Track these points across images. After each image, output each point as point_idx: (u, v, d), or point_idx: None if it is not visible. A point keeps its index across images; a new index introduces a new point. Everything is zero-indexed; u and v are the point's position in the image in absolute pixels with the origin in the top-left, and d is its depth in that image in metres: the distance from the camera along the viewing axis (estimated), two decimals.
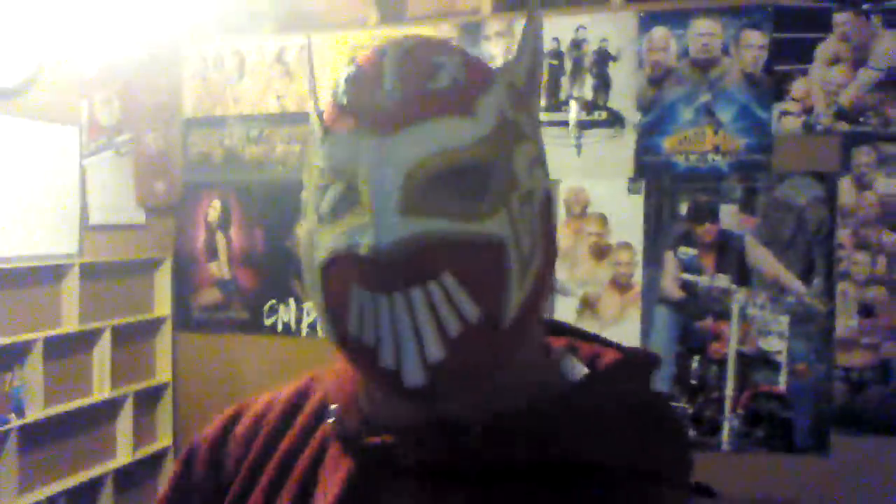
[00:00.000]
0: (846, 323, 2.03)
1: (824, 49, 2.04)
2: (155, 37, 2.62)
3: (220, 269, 2.75)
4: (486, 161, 0.54)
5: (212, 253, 2.76)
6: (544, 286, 0.58)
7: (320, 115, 0.57)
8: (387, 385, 0.53)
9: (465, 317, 0.52)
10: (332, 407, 0.62)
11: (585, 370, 0.62)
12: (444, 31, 2.32)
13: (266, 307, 2.67)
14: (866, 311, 2.02)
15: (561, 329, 0.68)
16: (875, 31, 2.00)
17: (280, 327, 2.64)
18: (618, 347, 0.65)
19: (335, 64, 2.48)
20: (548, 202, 0.60)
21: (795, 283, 2.07)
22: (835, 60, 2.03)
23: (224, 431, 0.69)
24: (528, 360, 0.59)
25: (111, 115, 2.56)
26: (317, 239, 0.56)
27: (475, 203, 0.53)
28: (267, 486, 0.64)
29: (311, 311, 2.60)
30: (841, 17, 2.02)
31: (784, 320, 2.08)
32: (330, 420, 0.61)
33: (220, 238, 2.76)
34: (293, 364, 2.56)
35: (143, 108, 2.65)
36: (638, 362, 0.63)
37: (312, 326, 2.60)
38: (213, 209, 2.77)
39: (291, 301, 2.64)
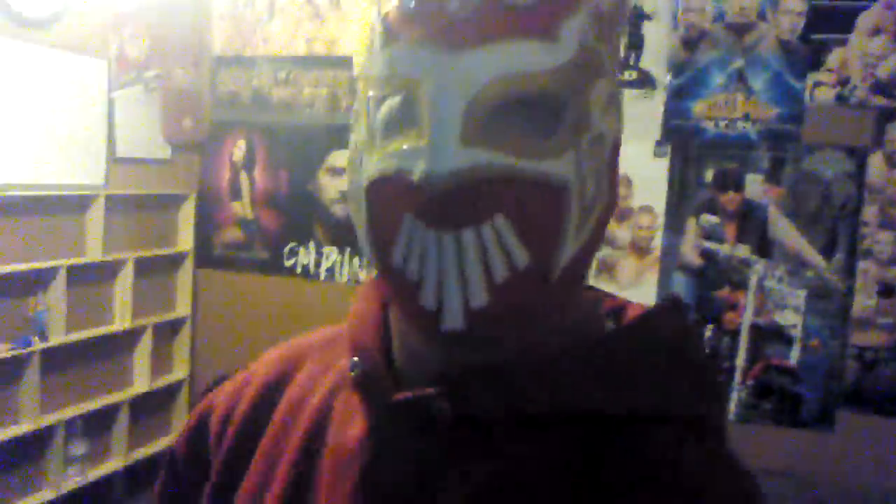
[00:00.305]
0: (864, 302, 2.01)
1: (866, 19, 1.97)
2: None
3: (242, 208, 2.78)
4: (562, 93, 0.49)
5: (235, 192, 2.78)
6: (599, 238, 0.54)
7: (383, 17, 0.52)
8: (424, 326, 0.50)
9: (514, 263, 0.48)
10: (354, 359, 0.57)
11: (610, 323, 0.58)
12: None
13: (286, 249, 2.69)
14: (886, 291, 2.00)
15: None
16: None
17: (299, 269, 2.67)
18: (636, 304, 0.61)
19: (365, 9, 2.45)
20: (616, 149, 0.55)
21: (816, 258, 2.05)
22: (876, 31, 1.97)
23: (233, 399, 0.64)
24: (572, 312, 0.55)
25: (140, 49, 2.57)
26: (366, 156, 0.51)
27: (543, 139, 0.49)
28: (270, 443, 0.60)
29: (330, 255, 2.63)
30: None
31: (801, 295, 2.06)
32: (351, 372, 0.57)
33: (244, 178, 2.78)
34: (309, 306, 2.60)
35: (172, 44, 2.65)
36: (669, 307, 0.59)
37: (330, 270, 2.62)
38: (239, 149, 2.78)
39: (311, 244, 2.66)
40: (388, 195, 0.49)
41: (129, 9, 2.49)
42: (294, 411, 0.61)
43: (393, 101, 0.50)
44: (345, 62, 2.57)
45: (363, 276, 2.54)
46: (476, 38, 0.48)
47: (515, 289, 0.49)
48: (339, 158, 2.61)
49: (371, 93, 0.52)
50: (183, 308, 2.82)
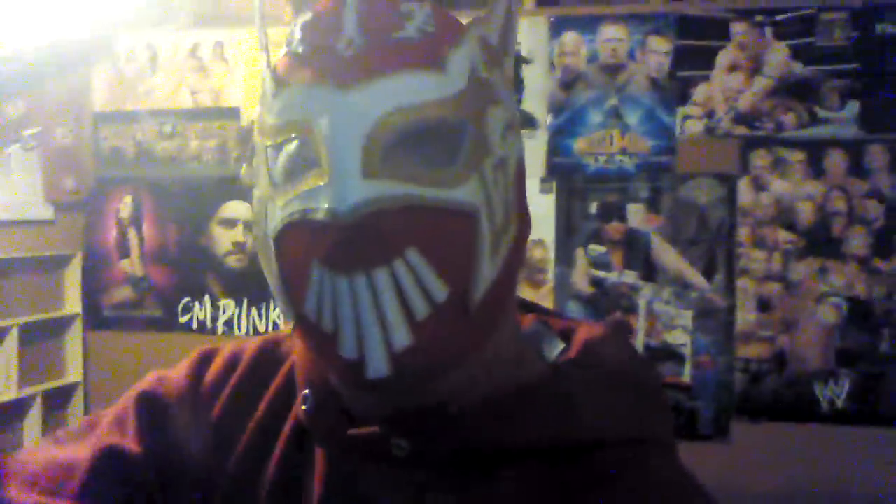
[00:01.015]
0: (745, 317, 2.14)
1: (724, 57, 2.13)
2: (63, 29, 2.54)
3: (132, 266, 2.69)
4: (457, 121, 0.49)
5: (124, 250, 2.70)
6: (518, 261, 0.53)
7: (273, 67, 0.51)
8: (348, 376, 0.49)
9: (434, 297, 0.47)
10: (304, 392, 0.56)
11: (561, 345, 0.58)
12: None
13: (181, 305, 2.62)
14: (763, 305, 2.13)
15: (524, 304, 0.63)
16: (768, 42, 2.11)
17: (195, 325, 2.61)
18: (583, 321, 0.61)
19: (249, 60, 2.46)
20: (521, 171, 0.55)
21: (698, 280, 2.16)
22: (733, 68, 2.13)
23: (195, 378, 0.62)
24: (504, 340, 0.54)
25: (17, 108, 2.48)
26: (270, 206, 0.50)
27: (444, 168, 0.48)
28: (243, 459, 0.58)
29: (227, 308, 2.58)
30: (738, 28, 2.12)
31: (688, 315, 2.17)
32: (303, 407, 0.56)
33: (132, 234, 2.70)
34: None
35: (51, 101, 2.57)
36: (613, 331, 0.59)
37: (228, 324, 2.58)
38: (125, 205, 2.70)
39: (207, 298, 2.61)
40: (295, 242, 0.49)
41: (5, 67, 2.41)
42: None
43: (290, 147, 0.50)
44: (232, 113, 2.56)
45: (262, 327, 2.50)
46: (366, 75, 0.47)
47: (438, 324, 0.47)
48: (231, 210, 2.58)
49: (268, 142, 0.51)
50: (74, 373, 2.69)
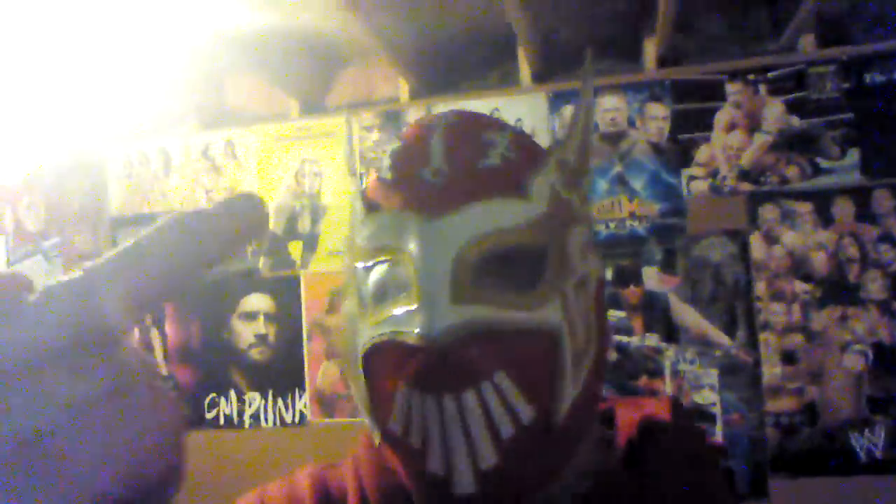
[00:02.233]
0: (771, 371, 2.12)
1: (721, 117, 2.18)
2: (78, 140, 2.63)
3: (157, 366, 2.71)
4: (540, 244, 0.50)
5: (148, 350, 2.72)
6: (599, 378, 0.54)
7: (363, 191, 0.54)
8: (435, 492, 0.49)
9: (519, 418, 0.48)
10: None
11: (613, 438, 0.58)
12: (364, 119, 2.40)
13: (206, 401, 2.63)
14: (788, 358, 2.12)
15: None
16: (763, 99, 2.16)
17: (222, 420, 2.61)
18: (618, 398, 0.61)
19: (261, 156, 2.52)
20: (601, 288, 0.56)
21: (721, 337, 2.16)
22: (732, 126, 2.17)
23: None
24: (586, 456, 0.54)
25: (37, 220, 2.54)
26: (359, 325, 0.51)
27: (528, 290, 0.49)
28: None
29: (253, 401, 2.58)
30: (732, 88, 2.17)
31: (714, 373, 2.16)
32: None
33: (154, 335, 2.73)
34: (238, 457, 2.52)
35: (69, 210, 2.64)
36: (689, 432, 0.58)
37: (255, 417, 2.58)
38: None
39: (232, 393, 2.61)
40: (385, 362, 0.49)
41: (23, 180, 2.48)
42: None
43: (381, 269, 0.51)
44: None
45: (288, 418, 2.50)
46: (453, 203, 0.49)
47: (523, 444, 0.48)
48: (251, 303, 2.61)
49: (359, 263, 0.52)
50: None
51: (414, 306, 0.48)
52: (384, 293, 0.51)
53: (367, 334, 0.51)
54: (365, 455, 0.60)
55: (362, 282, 0.53)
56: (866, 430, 2.06)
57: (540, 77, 2.36)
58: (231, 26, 2.04)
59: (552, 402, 0.49)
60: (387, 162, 0.53)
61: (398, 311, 0.49)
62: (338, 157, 2.42)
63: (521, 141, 0.54)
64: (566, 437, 0.50)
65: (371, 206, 0.53)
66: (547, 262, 0.50)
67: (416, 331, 0.47)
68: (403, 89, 2.41)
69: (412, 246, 0.49)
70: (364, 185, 0.55)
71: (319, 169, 2.44)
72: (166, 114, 2.68)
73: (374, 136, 2.37)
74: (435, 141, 0.52)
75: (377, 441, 0.53)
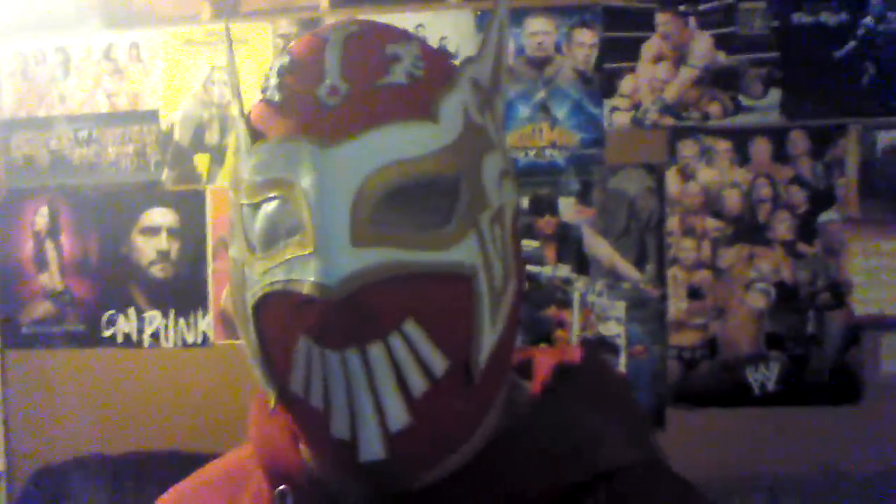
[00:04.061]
0: (677, 305, 2.16)
1: (649, 48, 2.15)
2: None
3: (51, 279, 2.57)
4: (452, 174, 0.46)
5: (41, 263, 2.57)
6: (516, 320, 0.49)
7: (246, 116, 0.48)
8: (339, 458, 0.45)
9: (432, 371, 0.43)
10: (280, 489, 0.50)
11: (529, 388, 0.54)
12: (281, 27, 2.27)
13: (104, 318, 2.52)
14: (694, 293, 2.16)
15: None
16: (692, 32, 2.13)
17: (120, 339, 2.50)
18: (537, 348, 0.57)
19: (168, 60, 2.37)
20: (516, 219, 0.52)
21: (630, 270, 2.18)
22: (659, 59, 2.15)
23: None
24: (498, 408, 0.50)
25: None
26: (248, 271, 0.46)
27: (440, 227, 0.45)
28: None
29: (153, 320, 2.48)
30: (662, 18, 2.14)
31: (621, 306, 2.18)
32: None
33: (49, 246, 2.58)
34: (136, 377, 2.43)
35: None
36: (590, 364, 0.55)
37: (155, 336, 2.48)
38: (41, 216, 2.58)
39: (132, 311, 2.51)
40: (278, 315, 0.45)
41: None
42: None
43: (269, 208, 0.45)
44: (151, 116, 2.47)
45: (190, 338, 2.42)
46: (350, 128, 0.44)
47: (438, 400, 0.44)
48: (153, 217, 2.48)
49: (244, 200, 0.46)
50: None
51: (309, 251, 0.42)
52: (274, 235, 0.46)
53: (257, 282, 0.46)
54: (257, 423, 0.54)
55: (249, 222, 0.47)
56: (761, 365, 2.13)
57: None
58: None
59: (470, 351, 0.45)
60: (273, 80, 0.47)
61: (291, 256, 0.44)
62: (252, 65, 2.29)
63: (430, 56, 0.49)
64: (484, 389, 0.46)
65: (256, 134, 0.47)
66: (460, 194, 0.46)
67: (311, 279, 0.42)
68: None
69: (304, 180, 0.43)
70: (248, 109, 0.49)
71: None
72: (66, 9, 2.48)
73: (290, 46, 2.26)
74: (330, 54, 0.46)
75: (272, 403, 0.48)
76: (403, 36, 0.49)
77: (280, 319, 0.45)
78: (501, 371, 0.49)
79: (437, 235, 0.44)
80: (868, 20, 2.07)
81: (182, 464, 2.32)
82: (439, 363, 0.44)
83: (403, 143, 0.44)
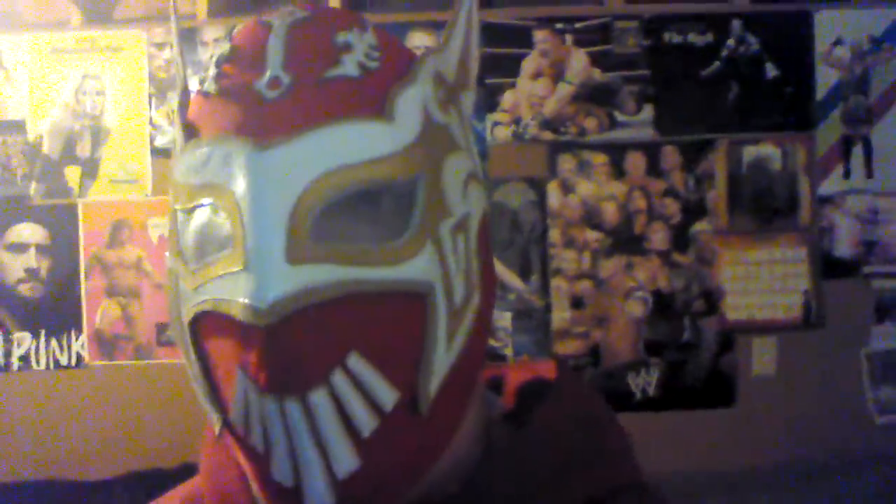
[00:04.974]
0: (560, 315, 2.21)
1: (528, 64, 2.19)
2: None
3: None
4: (407, 179, 0.40)
5: None
6: (483, 339, 0.45)
7: (182, 111, 0.42)
8: (282, 502, 0.40)
9: (380, 406, 0.39)
10: None
11: (501, 405, 0.50)
12: (156, 35, 2.20)
13: None
14: (577, 303, 2.21)
15: None
16: (569, 49, 2.19)
17: None
18: (508, 365, 0.52)
19: (34, 68, 2.25)
20: (485, 229, 0.47)
21: (515, 282, 2.21)
22: (537, 74, 2.19)
23: None
24: (473, 423, 0.46)
25: None
26: (182, 284, 0.41)
27: (392, 239, 0.40)
28: None
29: (23, 342, 2.35)
30: (540, 35, 2.19)
31: (507, 316, 2.21)
32: None
33: None
34: (4, 402, 2.29)
35: None
36: (565, 380, 0.51)
37: (24, 358, 2.35)
38: None
39: None
40: (213, 334, 0.40)
41: None
42: None
43: (202, 215, 0.40)
44: (16, 126, 2.33)
45: (64, 360, 2.30)
46: (292, 127, 0.39)
47: (389, 437, 0.40)
48: (20, 233, 2.34)
49: (177, 206, 0.41)
50: None
51: (239, 268, 0.38)
52: (206, 247, 0.41)
53: (190, 300, 0.41)
54: (207, 453, 0.49)
55: (183, 230, 0.42)
56: (642, 371, 2.20)
57: (354, 4, 2.26)
58: None
59: (419, 378, 0.40)
60: (212, 70, 0.42)
61: (222, 272, 0.39)
62: (125, 74, 2.20)
63: (387, 46, 0.44)
64: (439, 419, 0.42)
65: (190, 131, 0.42)
66: (416, 201, 0.41)
67: (241, 300, 0.37)
68: (201, 4, 2.23)
69: (237, 186, 0.38)
70: (185, 102, 0.44)
71: (103, 87, 2.21)
72: None
73: (167, 54, 2.18)
74: (273, 42, 0.41)
75: (217, 429, 0.43)
76: (357, 23, 0.44)
77: (216, 342, 0.40)
78: (462, 396, 0.44)
79: (387, 249, 0.40)
80: (730, 42, 2.18)
81: (57, 492, 2.21)
82: (388, 395, 0.39)
83: (351, 146, 0.39)
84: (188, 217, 0.41)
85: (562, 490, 0.44)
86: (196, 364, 0.42)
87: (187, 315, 0.41)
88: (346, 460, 0.39)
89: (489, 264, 0.47)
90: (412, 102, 0.42)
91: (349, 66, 0.41)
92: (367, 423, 0.39)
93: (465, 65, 0.47)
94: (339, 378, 0.38)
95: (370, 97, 0.41)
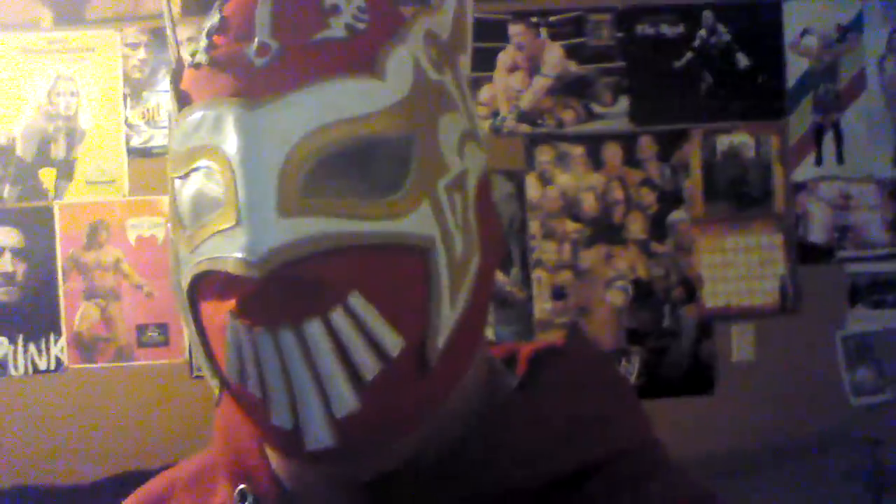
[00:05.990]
0: (542, 306, 2.22)
1: (504, 58, 2.21)
2: None
3: None
4: (401, 136, 0.41)
5: None
6: (486, 293, 0.45)
7: (176, 82, 0.43)
8: (285, 449, 0.41)
9: (385, 351, 0.39)
10: (240, 488, 0.46)
11: (515, 377, 0.50)
12: (129, 34, 2.18)
13: None
14: (558, 294, 2.23)
15: None
16: (544, 42, 2.21)
17: None
18: (523, 342, 0.54)
19: (5, 70, 2.22)
20: (485, 187, 0.47)
21: (497, 274, 2.22)
22: (513, 68, 2.21)
23: None
24: (473, 379, 0.46)
25: None
26: (181, 251, 0.41)
27: (388, 195, 0.40)
28: None
29: (0, 347, 2.32)
30: (515, 29, 2.20)
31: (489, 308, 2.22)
32: None
33: None
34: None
35: None
36: (574, 345, 0.51)
37: (2, 363, 2.31)
38: None
39: None
40: (209, 296, 0.40)
41: None
42: None
43: (196, 179, 0.41)
44: None
45: (42, 364, 2.27)
46: (281, 87, 0.39)
47: (392, 384, 0.40)
48: None
49: (173, 174, 0.42)
50: None
51: (232, 223, 0.38)
52: (201, 208, 0.41)
53: (188, 262, 0.41)
54: (221, 419, 0.50)
55: (178, 197, 0.43)
56: (623, 359, 2.22)
57: None
58: None
59: (426, 331, 0.40)
60: (202, 42, 0.42)
61: (217, 231, 0.39)
62: (98, 75, 2.18)
63: (376, 7, 0.43)
64: (443, 372, 0.42)
65: (183, 100, 0.43)
66: (411, 157, 0.41)
67: (236, 255, 0.37)
68: (174, 2, 2.21)
69: (229, 145, 0.39)
70: (179, 73, 0.45)
71: (77, 88, 2.19)
72: None
73: (141, 54, 2.17)
74: (261, 10, 0.41)
75: (216, 393, 0.43)
76: None
77: (211, 303, 0.41)
78: (466, 354, 0.44)
79: (384, 204, 0.40)
80: (702, 32, 2.21)
81: (34, 498, 2.18)
82: (393, 341, 0.40)
83: (342, 102, 0.40)
84: (183, 183, 0.43)
85: (559, 454, 0.45)
86: (194, 331, 0.43)
87: (185, 282, 0.42)
88: (345, 400, 0.39)
89: (491, 224, 0.47)
90: (402, 60, 0.42)
91: (337, 29, 0.41)
92: (370, 366, 0.39)
93: (461, 26, 0.49)
94: (338, 314, 0.39)
95: (360, 56, 0.41)
